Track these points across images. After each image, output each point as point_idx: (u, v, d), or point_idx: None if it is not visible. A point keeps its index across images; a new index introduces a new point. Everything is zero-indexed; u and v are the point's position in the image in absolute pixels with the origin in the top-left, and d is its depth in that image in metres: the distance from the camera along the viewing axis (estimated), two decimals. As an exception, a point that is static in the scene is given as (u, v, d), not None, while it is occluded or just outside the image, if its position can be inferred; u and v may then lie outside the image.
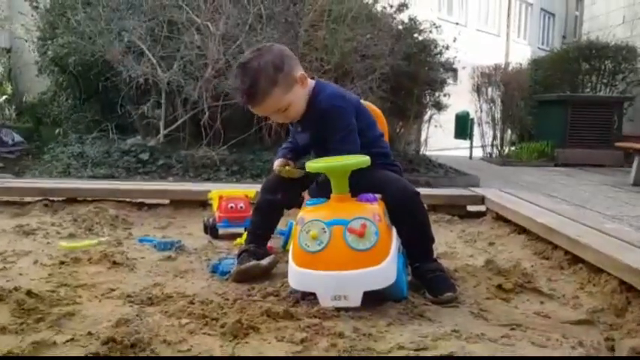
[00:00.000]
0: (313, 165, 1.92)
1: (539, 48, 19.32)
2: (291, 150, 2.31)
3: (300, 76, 2.02)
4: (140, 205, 3.50)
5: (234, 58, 5.74)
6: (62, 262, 2.23)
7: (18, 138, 7.51)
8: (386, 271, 1.76)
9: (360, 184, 1.94)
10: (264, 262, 2.11)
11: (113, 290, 1.93)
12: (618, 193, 6.08)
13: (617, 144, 8.47)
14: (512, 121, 10.28)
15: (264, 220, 2.26)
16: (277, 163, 2.27)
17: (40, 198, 3.47)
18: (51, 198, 3.48)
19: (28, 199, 3.48)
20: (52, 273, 2.10)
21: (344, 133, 2.04)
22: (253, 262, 2.09)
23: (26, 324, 1.56)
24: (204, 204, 3.37)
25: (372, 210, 1.84)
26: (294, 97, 2.02)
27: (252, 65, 1.96)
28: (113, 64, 5.87)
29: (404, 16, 7.82)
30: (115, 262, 2.25)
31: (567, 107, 9.30)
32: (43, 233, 2.78)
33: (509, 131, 10.49)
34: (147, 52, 5.88)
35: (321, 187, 2.08)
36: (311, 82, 2.11)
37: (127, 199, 3.52)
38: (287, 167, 2.22)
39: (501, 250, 2.72)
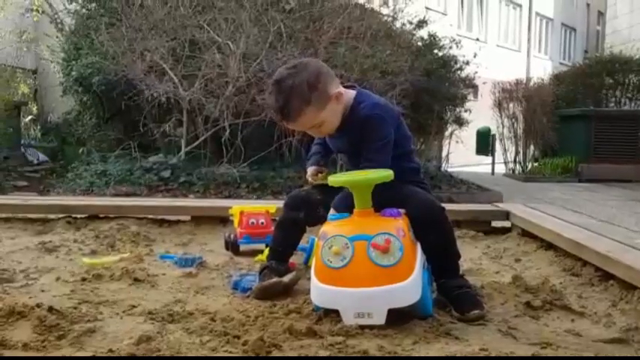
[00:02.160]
0: (336, 179, 1.89)
1: (560, 63, 19.17)
2: (323, 155, 2.32)
3: (336, 93, 2.00)
4: (161, 222, 3.51)
5: (254, 76, 5.77)
6: (84, 279, 2.23)
7: (43, 157, 7.64)
8: (411, 288, 1.72)
9: (384, 198, 1.91)
10: (286, 278, 2.09)
11: (134, 307, 1.92)
12: (646, 208, 5.93)
13: (644, 159, 8.32)
14: (534, 137, 10.14)
15: (287, 236, 2.24)
16: (311, 171, 2.27)
17: (63, 215, 3.50)
18: (74, 215, 3.51)
19: (51, 216, 3.52)
20: (74, 289, 2.10)
21: (380, 144, 2.02)
22: (275, 279, 2.07)
23: (48, 341, 1.56)
24: (225, 220, 3.37)
25: (396, 225, 1.81)
26: (329, 114, 2.00)
27: (286, 84, 1.94)
28: (136, 82, 5.94)
29: (423, 33, 7.81)
30: (136, 279, 2.24)
31: (591, 122, 9.16)
32: (66, 250, 2.80)
33: (531, 147, 10.35)
34: (169, 71, 5.94)
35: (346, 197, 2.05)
36: (352, 92, 2.09)
37: (149, 216, 3.53)
38: (320, 175, 2.23)
39: (528, 267, 2.66)
